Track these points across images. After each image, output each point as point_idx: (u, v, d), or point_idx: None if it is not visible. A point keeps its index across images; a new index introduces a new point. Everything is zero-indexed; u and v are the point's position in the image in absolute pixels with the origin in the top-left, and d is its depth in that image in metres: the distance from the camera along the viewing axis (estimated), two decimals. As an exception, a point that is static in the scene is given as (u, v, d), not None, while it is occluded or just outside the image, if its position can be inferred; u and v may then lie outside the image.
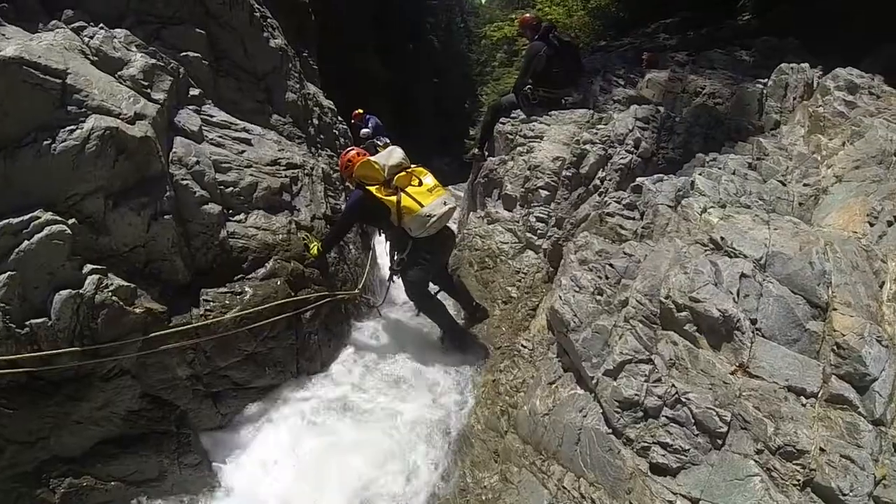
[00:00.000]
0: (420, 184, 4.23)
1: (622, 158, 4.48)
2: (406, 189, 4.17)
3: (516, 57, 15.22)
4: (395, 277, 4.70)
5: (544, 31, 6.42)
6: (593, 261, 2.98)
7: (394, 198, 4.13)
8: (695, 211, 2.84)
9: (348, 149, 4.95)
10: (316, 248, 4.34)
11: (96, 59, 3.63)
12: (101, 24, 3.87)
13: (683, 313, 2.41)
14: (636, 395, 2.33)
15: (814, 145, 3.57)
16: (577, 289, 2.87)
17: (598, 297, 2.78)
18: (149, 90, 3.72)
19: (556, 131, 5.85)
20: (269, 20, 5.76)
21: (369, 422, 3.87)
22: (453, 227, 4.66)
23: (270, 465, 3.51)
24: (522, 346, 3.79)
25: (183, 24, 4.74)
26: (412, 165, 4.37)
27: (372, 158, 4.25)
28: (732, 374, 2.23)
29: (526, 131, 6.04)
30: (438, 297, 4.71)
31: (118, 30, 3.99)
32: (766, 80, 5.28)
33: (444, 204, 4.21)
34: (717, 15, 8.58)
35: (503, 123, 6.43)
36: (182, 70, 4.31)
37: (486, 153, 6.71)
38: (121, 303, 3.09)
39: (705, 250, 2.58)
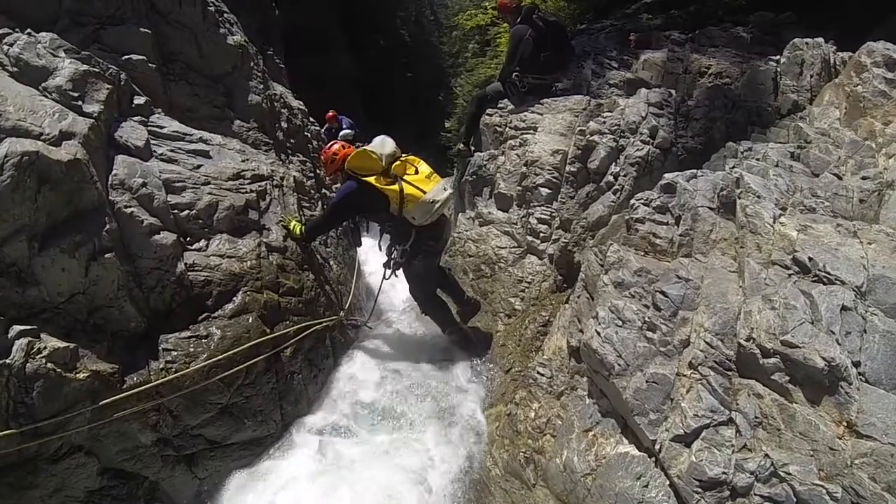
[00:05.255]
0: (416, 172, 4.11)
1: (638, 150, 3.96)
2: (404, 177, 4.03)
3: (489, 46, 14.52)
4: (396, 273, 4.45)
5: (527, 12, 5.86)
6: (634, 284, 2.45)
7: (395, 186, 3.96)
8: (765, 221, 2.32)
9: (330, 143, 4.62)
10: (298, 228, 4.11)
11: (15, 69, 3.12)
12: (28, 30, 3.33)
13: (772, 360, 1.91)
14: (723, 473, 1.83)
15: (865, 131, 3.09)
16: (620, 322, 2.35)
17: (650, 335, 2.26)
18: (79, 102, 3.14)
19: (551, 121, 5.34)
20: (225, 14, 5.17)
21: (366, 468, 3.41)
22: (447, 212, 4.57)
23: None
24: (539, 373, 3.32)
25: (125, 24, 4.22)
26: (403, 154, 4.21)
27: (367, 148, 4.05)
28: (840, 437, 1.75)
29: (517, 122, 5.53)
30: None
31: (43, 34, 3.42)
32: (777, 56, 4.83)
33: (444, 189, 4.13)
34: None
35: (490, 115, 5.92)
36: (124, 76, 3.73)
37: (473, 148, 6.21)
38: (59, 370, 2.55)
39: (790, 274, 2.08)
